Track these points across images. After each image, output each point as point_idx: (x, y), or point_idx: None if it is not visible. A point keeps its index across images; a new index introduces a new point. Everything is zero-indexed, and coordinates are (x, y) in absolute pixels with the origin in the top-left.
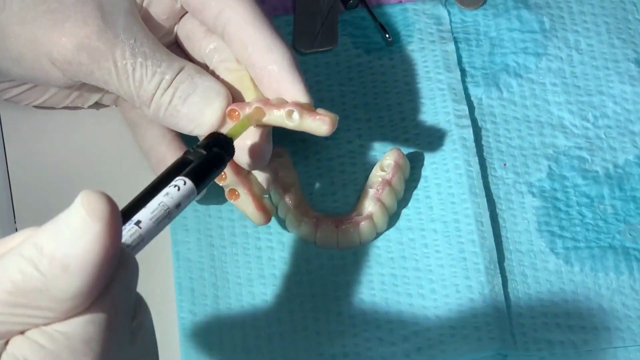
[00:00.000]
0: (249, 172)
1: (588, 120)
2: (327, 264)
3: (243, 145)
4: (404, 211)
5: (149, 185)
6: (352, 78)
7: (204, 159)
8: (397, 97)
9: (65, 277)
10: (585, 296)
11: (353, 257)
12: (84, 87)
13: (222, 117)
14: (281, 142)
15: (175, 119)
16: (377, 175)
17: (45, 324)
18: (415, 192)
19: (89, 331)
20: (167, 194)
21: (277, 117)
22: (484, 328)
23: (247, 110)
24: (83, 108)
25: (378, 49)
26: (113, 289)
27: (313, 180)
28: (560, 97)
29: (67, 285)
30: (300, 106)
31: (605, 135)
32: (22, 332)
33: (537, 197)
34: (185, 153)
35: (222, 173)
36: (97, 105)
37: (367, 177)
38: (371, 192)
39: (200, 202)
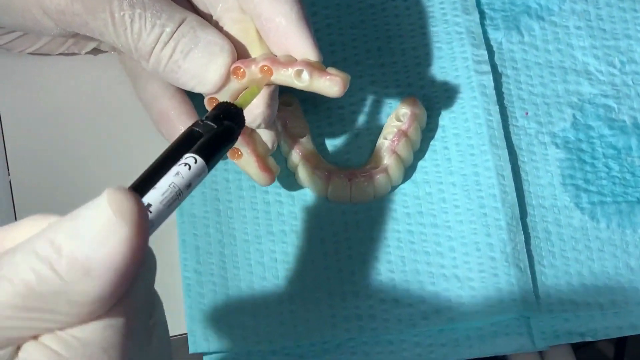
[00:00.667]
0: (252, 131)
1: (614, 66)
2: (339, 220)
3: None
4: (421, 163)
5: (156, 161)
6: (365, 21)
7: (215, 134)
8: (412, 41)
9: (86, 281)
10: (612, 254)
11: (367, 212)
12: (80, 35)
13: (227, 74)
14: (289, 89)
15: (176, 75)
16: (392, 126)
17: (60, 329)
18: (432, 142)
19: (107, 337)
20: (177, 173)
21: (285, 76)
22: (505, 289)
23: (254, 68)
24: (80, 54)
25: None
26: (133, 290)
27: (324, 130)
28: (585, 42)
29: (88, 290)
30: (310, 65)
31: (633, 82)
32: (34, 337)
33: (561, 148)
34: (194, 125)
35: None
36: (95, 51)
37: (381, 126)
38: (386, 143)
39: None
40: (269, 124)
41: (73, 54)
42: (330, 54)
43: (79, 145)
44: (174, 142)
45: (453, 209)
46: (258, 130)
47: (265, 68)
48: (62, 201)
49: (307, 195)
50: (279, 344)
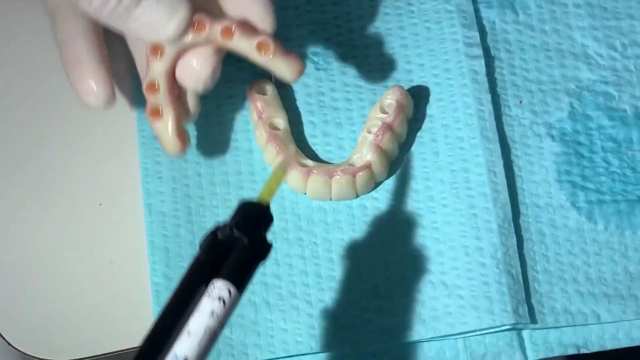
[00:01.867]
0: (180, 90)
1: (615, 49)
2: (319, 219)
3: (188, 62)
4: (406, 157)
5: (181, 283)
6: None
7: (247, 253)
8: (398, 20)
9: None
10: (610, 258)
11: (349, 210)
12: None
13: (185, 29)
14: (263, 74)
15: (123, 21)
16: (376, 118)
17: None
18: (419, 134)
19: None
20: (212, 313)
21: (245, 45)
22: (496, 298)
23: (216, 27)
24: None
25: None
26: None
27: (302, 119)
28: (584, 22)
29: None
30: (275, 42)
31: (635, 68)
32: None
33: (557, 141)
34: (215, 231)
35: (156, 84)
36: None
37: (364, 116)
38: (369, 137)
39: None
40: (207, 87)
41: None
42: (310, 34)
43: None
44: (198, 257)
45: (441, 209)
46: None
47: (228, 30)
48: None
49: (284, 191)
50: (254, 357)
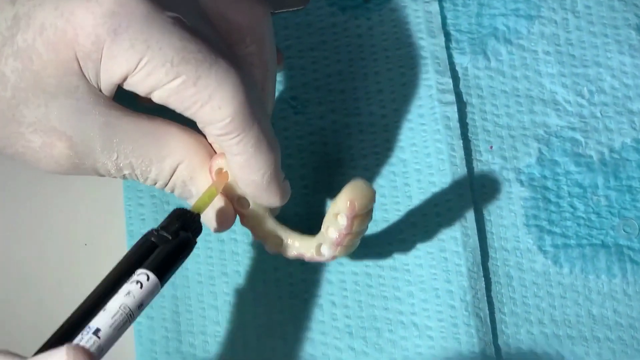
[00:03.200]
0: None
1: (583, 96)
2: (295, 261)
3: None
4: (380, 200)
5: (108, 275)
6: (326, 41)
7: (171, 248)
8: (374, 65)
9: None
10: (574, 301)
11: (323, 256)
12: None
13: (227, 227)
14: None
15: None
16: (332, 222)
17: None
18: (393, 178)
19: None
20: (128, 292)
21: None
22: (465, 340)
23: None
24: None
25: (354, 7)
26: None
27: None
28: (553, 68)
29: None
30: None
31: (602, 114)
32: None
33: (525, 186)
34: (148, 234)
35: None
36: None
37: (340, 159)
38: (329, 238)
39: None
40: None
41: None
42: (289, 79)
43: None
44: (127, 254)
45: (413, 251)
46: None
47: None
48: None
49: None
50: None
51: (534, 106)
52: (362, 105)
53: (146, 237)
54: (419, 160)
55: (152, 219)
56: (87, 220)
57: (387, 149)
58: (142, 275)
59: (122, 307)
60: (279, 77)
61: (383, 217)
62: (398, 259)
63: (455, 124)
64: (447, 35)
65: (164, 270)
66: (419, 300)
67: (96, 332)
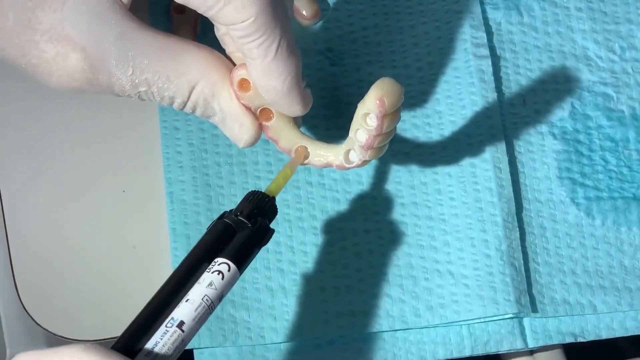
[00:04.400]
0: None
1: (614, 52)
2: (332, 209)
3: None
4: (416, 150)
5: (185, 260)
6: None
7: (250, 236)
8: (409, 19)
9: None
10: (607, 252)
11: (360, 201)
12: None
13: (254, 141)
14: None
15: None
16: (362, 125)
17: None
18: (428, 129)
19: None
20: (210, 284)
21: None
22: (500, 289)
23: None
24: None
25: None
26: None
27: (317, 111)
28: (585, 25)
29: None
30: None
31: (633, 70)
32: None
33: (558, 139)
34: (225, 217)
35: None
36: None
37: None
38: (357, 143)
39: (193, 128)
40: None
41: None
42: (325, 31)
43: None
44: (205, 239)
45: (448, 202)
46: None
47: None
48: None
49: (299, 181)
50: (271, 340)
51: (566, 61)
52: (398, 58)
53: (223, 221)
54: (454, 112)
55: (190, 167)
56: (125, 167)
57: (422, 100)
58: (223, 264)
59: (204, 299)
60: (315, 30)
61: (419, 168)
62: (434, 209)
63: (489, 77)
64: None
65: (242, 259)
66: (454, 249)
67: (180, 325)
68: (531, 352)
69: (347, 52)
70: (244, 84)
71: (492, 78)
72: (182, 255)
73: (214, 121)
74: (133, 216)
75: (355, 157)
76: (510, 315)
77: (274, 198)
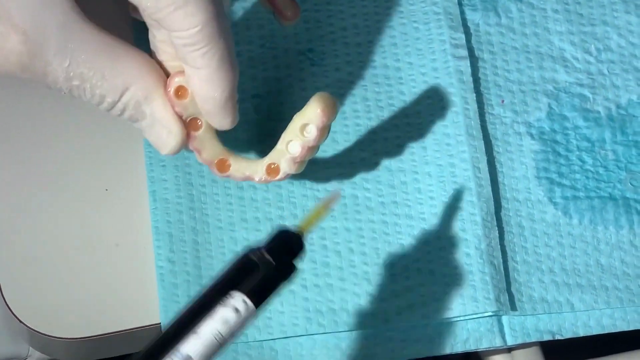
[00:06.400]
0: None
1: (590, 54)
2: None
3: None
4: (396, 150)
5: (202, 294)
6: None
7: (273, 275)
8: (388, 19)
9: None
10: (583, 251)
11: (341, 200)
12: None
13: (179, 148)
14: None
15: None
16: (297, 137)
17: None
18: (408, 129)
19: None
20: (224, 320)
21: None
22: (480, 287)
23: None
24: None
25: None
26: None
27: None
28: (561, 26)
29: None
30: None
31: (608, 71)
32: None
33: (536, 139)
34: (251, 252)
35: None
36: None
37: (356, 110)
38: (291, 152)
39: None
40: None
41: None
42: (306, 32)
43: None
44: (226, 271)
45: (428, 201)
46: None
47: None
48: None
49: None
50: (253, 337)
51: (543, 62)
52: (377, 59)
53: (248, 257)
54: (434, 113)
55: (172, 165)
56: (107, 165)
57: (402, 100)
58: (240, 301)
59: (215, 337)
60: (296, 30)
61: (399, 167)
62: (414, 208)
63: (468, 78)
64: None
65: (262, 297)
66: (435, 248)
67: (187, 359)
68: (509, 349)
69: (327, 52)
70: (180, 92)
71: (471, 79)
72: (164, 253)
73: (140, 125)
74: (115, 214)
75: (282, 170)
76: (490, 314)
77: (302, 235)
